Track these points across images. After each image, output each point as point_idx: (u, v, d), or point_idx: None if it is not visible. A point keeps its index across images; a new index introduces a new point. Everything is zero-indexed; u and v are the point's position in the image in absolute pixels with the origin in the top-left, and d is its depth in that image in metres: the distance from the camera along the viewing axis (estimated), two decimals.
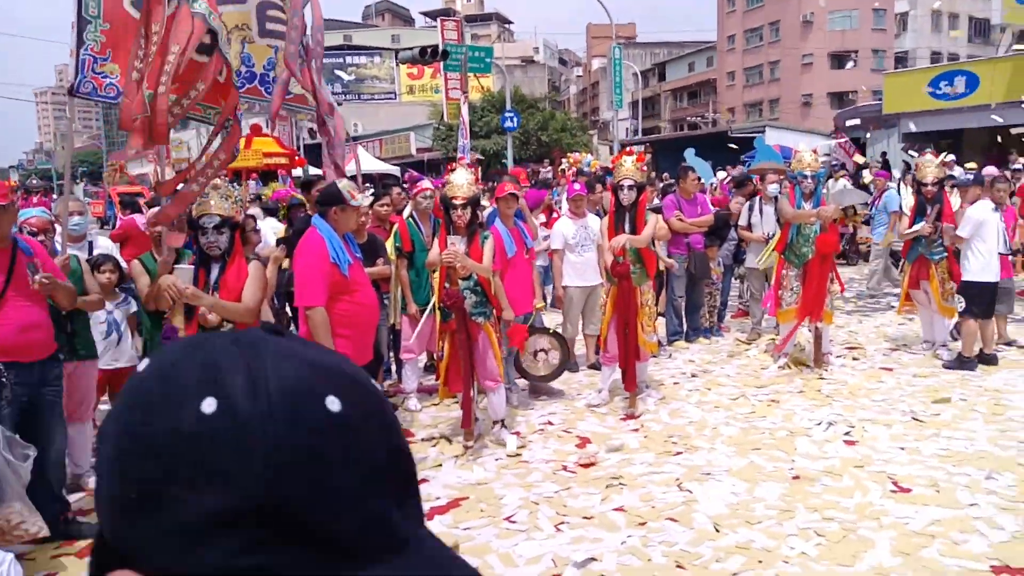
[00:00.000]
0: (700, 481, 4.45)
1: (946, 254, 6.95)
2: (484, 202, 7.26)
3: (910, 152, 18.37)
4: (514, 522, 4.04)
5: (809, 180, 6.65)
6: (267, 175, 15.91)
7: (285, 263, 5.56)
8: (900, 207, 9.53)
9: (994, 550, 3.53)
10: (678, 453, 4.93)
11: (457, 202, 4.91)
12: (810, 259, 6.59)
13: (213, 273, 3.92)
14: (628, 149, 6.38)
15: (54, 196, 21.15)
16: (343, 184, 4.27)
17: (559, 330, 7.00)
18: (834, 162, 16.21)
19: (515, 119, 21.26)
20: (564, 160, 15.53)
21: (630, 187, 5.64)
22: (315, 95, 4.83)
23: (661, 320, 7.40)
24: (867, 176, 13.03)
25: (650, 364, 6.36)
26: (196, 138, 45.92)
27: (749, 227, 7.86)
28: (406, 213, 6.26)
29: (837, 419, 5.41)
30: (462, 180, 4.94)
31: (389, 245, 6.01)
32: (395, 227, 6.12)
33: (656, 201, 7.16)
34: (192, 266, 3.87)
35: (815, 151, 7.24)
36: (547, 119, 32.09)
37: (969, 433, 5.05)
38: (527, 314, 6.08)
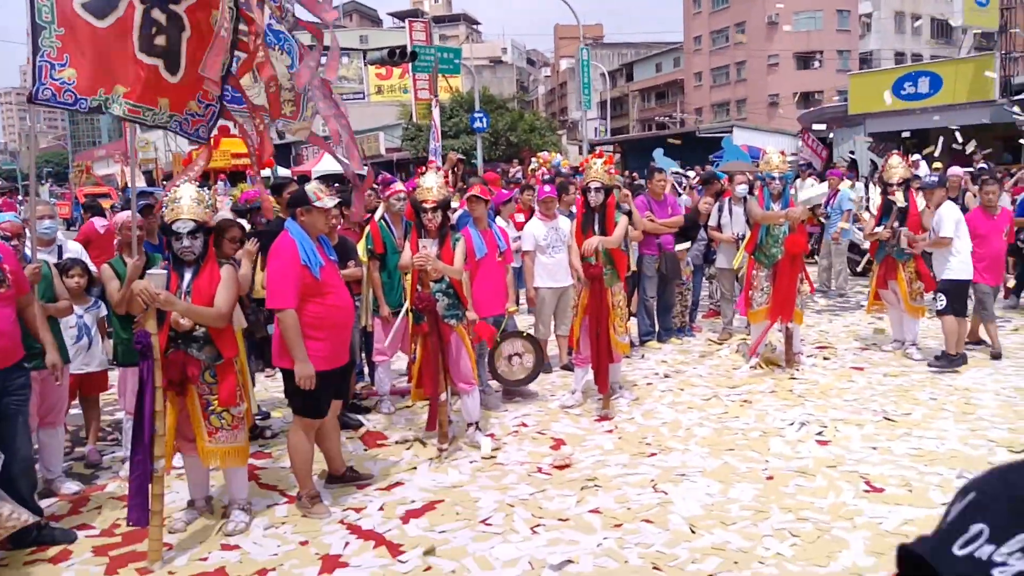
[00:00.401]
0: (675, 482, 4.45)
1: (913, 255, 7.06)
2: (454, 204, 7.22)
3: (875, 152, 18.69)
4: (490, 525, 4.03)
5: (777, 181, 6.72)
6: (235, 176, 15.70)
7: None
8: (869, 206, 9.66)
9: None
10: (652, 454, 4.93)
11: (428, 205, 4.91)
12: (780, 259, 6.66)
13: (186, 278, 3.88)
14: (598, 151, 6.36)
15: (19, 197, 20.70)
16: (310, 186, 4.22)
17: (531, 332, 6.99)
18: (801, 162, 16.44)
19: (484, 120, 21.24)
20: (534, 160, 15.53)
21: (597, 189, 5.67)
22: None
23: (633, 321, 7.43)
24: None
25: (622, 365, 6.36)
26: (163, 138, 45.20)
27: (719, 227, 7.92)
28: (378, 215, 6.20)
29: (809, 419, 5.46)
30: (432, 183, 4.93)
31: (361, 247, 5.95)
32: (367, 229, 6.06)
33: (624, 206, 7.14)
34: (164, 271, 3.81)
35: (783, 152, 7.31)
36: (516, 120, 32.11)
37: (940, 432, 5.13)
38: (498, 316, 6.06)
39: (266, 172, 13.94)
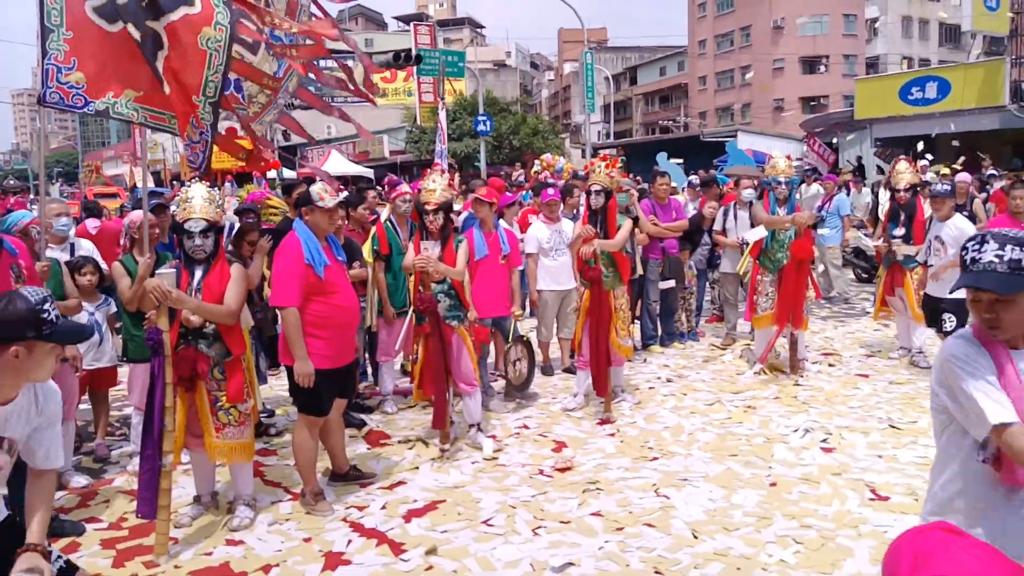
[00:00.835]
0: (677, 487, 4.45)
1: (920, 262, 7.04)
2: (457, 206, 7.23)
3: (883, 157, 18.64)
4: (491, 525, 4.04)
5: (783, 186, 6.71)
6: (242, 177, 15.76)
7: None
8: (877, 212, 9.65)
9: None
10: (655, 459, 4.93)
11: (429, 207, 4.95)
12: (785, 265, 6.64)
13: (196, 276, 3.93)
14: (603, 155, 6.37)
15: (31, 196, 20.82)
16: (315, 187, 4.26)
17: (533, 334, 7.01)
18: (806, 167, 16.41)
19: (488, 123, 21.27)
20: (537, 162, 15.54)
21: (597, 192, 5.70)
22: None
23: (636, 324, 7.42)
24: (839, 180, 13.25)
25: (625, 368, 6.36)
26: (171, 139, 45.34)
27: (723, 232, 7.91)
28: (384, 216, 6.22)
29: (814, 426, 5.44)
30: (434, 186, 4.97)
31: (366, 248, 5.97)
32: (373, 230, 6.09)
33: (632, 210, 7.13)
34: (174, 269, 3.89)
35: (789, 157, 7.30)
36: (519, 123, 32.14)
37: None
38: (499, 317, 6.07)
39: (272, 174, 13.99)
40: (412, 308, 5.43)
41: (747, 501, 4.23)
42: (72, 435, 4.88)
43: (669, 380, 6.76)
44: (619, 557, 3.67)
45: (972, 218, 9.35)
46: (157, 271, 3.84)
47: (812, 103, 44.50)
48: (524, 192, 10.69)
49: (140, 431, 4.16)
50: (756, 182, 7.90)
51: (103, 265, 5.36)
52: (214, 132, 3.76)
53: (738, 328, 8.14)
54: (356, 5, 69.79)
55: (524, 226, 7.34)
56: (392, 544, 3.85)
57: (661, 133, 46.34)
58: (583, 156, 27.19)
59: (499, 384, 6.50)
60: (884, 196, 10.11)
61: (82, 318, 4.77)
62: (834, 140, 23.44)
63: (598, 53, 44.14)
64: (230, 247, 5.02)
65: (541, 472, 4.75)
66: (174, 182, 18.64)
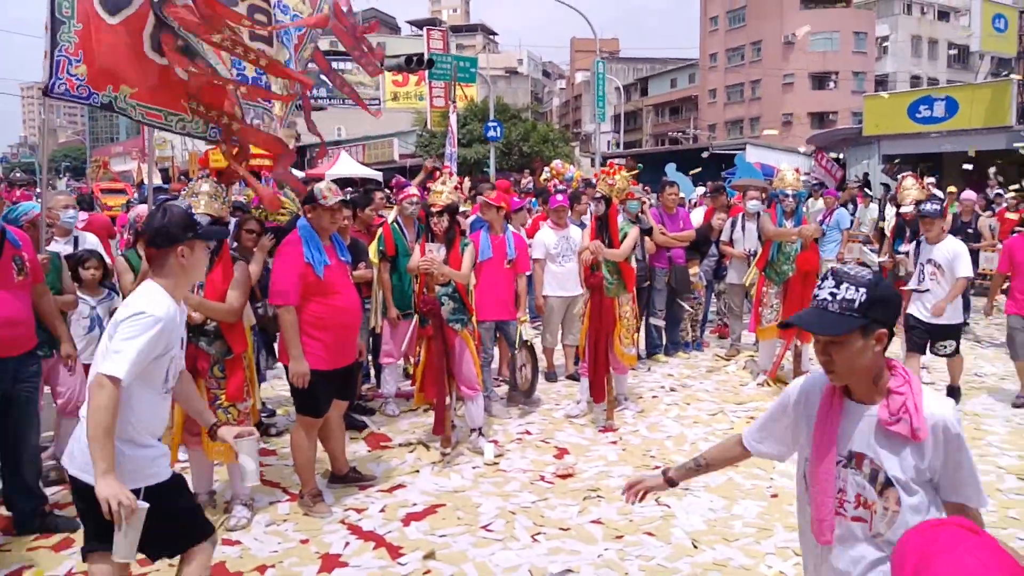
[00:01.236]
0: (678, 496, 4.42)
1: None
2: (465, 208, 7.24)
3: (890, 174, 18.63)
4: (491, 531, 4.02)
5: (791, 198, 6.71)
6: (251, 175, 15.77)
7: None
8: (884, 228, 9.63)
9: None
10: (656, 467, 4.89)
11: (434, 209, 4.97)
12: (791, 277, 6.64)
13: None
14: (610, 163, 6.37)
15: (36, 190, 20.86)
16: (320, 185, 4.25)
17: (538, 340, 7.00)
18: (813, 182, 16.40)
19: (498, 129, 21.31)
20: (546, 170, 15.53)
21: (596, 199, 5.73)
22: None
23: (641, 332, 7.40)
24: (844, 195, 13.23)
25: (629, 377, 6.35)
26: (180, 136, 45.52)
27: (731, 243, 7.90)
28: (391, 217, 6.23)
29: None
30: (441, 188, 4.98)
31: (372, 249, 5.97)
32: (379, 231, 6.09)
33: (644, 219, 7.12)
34: None
35: (797, 170, 7.30)
36: (529, 130, 32.17)
37: None
38: (502, 321, 6.06)
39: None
40: (416, 310, 5.43)
41: (748, 512, 4.22)
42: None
43: (673, 389, 6.74)
44: (618, 565, 3.65)
45: (977, 236, 9.34)
46: None
47: (821, 118, 44.52)
48: (532, 199, 10.68)
49: None
50: (763, 194, 7.90)
51: (107, 259, 5.35)
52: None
53: (742, 339, 8.12)
54: (370, 9, 70.10)
55: (534, 233, 7.34)
56: (390, 547, 3.83)
57: (671, 144, 46.39)
58: (593, 165, 27.22)
59: (502, 389, 6.49)
60: (890, 212, 10.10)
61: (83, 312, 4.76)
62: (841, 155, 23.44)
63: (610, 63, 44.25)
64: (234, 244, 5.02)
65: (542, 478, 4.73)
66: (181, 177, 18.67)
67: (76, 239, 5.52)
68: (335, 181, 7.32)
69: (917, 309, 6.12)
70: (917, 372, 6.20)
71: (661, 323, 7.73)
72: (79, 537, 3.90)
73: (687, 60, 59.77)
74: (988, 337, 8.79)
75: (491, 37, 78.20)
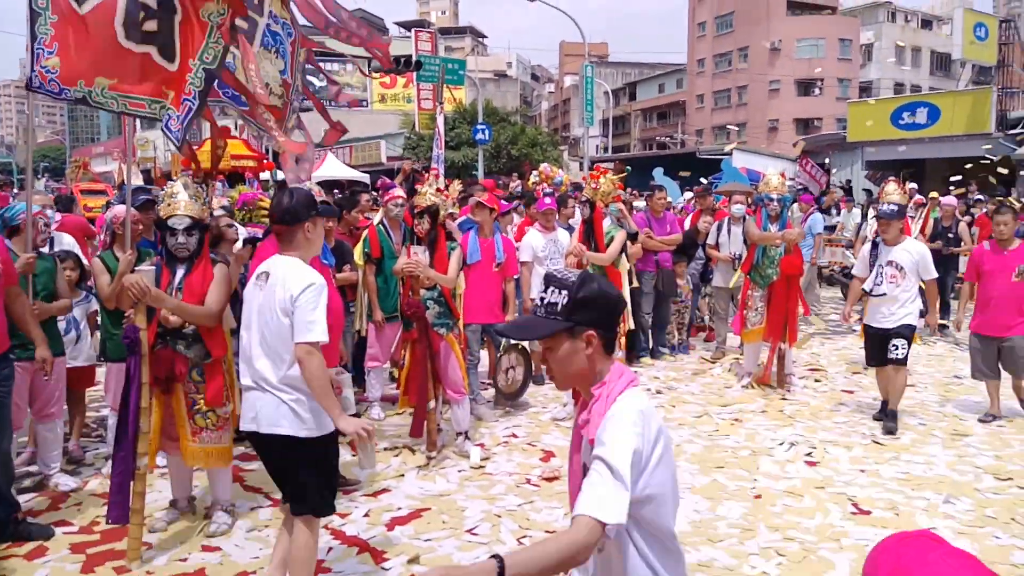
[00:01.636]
0: None
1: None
2: (453, 211, 7.21)
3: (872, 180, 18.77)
4: (476, 535, 4.00)
5: (775, 203, 6.74)
6: (234, 177, 15.71)
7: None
8: (867, 232, 9.71)
9: None
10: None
11: (416, 211, 4.96)
12: (775, 280, 6.67)
13: (178, 274, 3.84)
14: (597, 166, 6.39)
15: (14, 191, 20.59)
16: (304, 187, 4.19)
17: (526, 343, 6.98)
18: (798, 187, 16.51)
19: (486, 132, 21.31)
20: (534, 173, 15.55)
21: (582, 203, 5.75)
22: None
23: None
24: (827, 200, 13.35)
25: None
26: (163, 137, 45.16)
27: (717, 246, 7.93)
28: (376, 220, 6.20)
29: (799, 439, 5.46)
30: (424, 190, 4.97)
31: (358, 251, 5.94)
32: (364, 233, 6.07)
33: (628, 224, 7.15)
34: (154, 267, 3.78)
35: (783, 174, 7.34)
36: (518, 133, 32.17)
37: (928, 457, 5.13)
38: (489, 324, 6.05)
39: (265, 175, 13.95)
40: (400, 314, 5.40)
41: (732, 513, 4.22)
42: (61, 433, 4.78)
43: (659, 392, 6.75)
44: None
45: (957, 241, 9.43)
46: (137, 268, 3.74)
47: (806, 124, 44.84)
48: (519, 203, 10.68)
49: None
50: (748, 198, 7.95)
51: (84, 261, 5.27)
52: (203, 102, 3.68)
53: (727, 342, 8.15)
54: (358, 9, 69.92)
55: (521, 237, 7.33)
56: (374, 552, 3.80)
57: (658, 149, 46.57)
58: (581, 169, 27.25)
59: (489, 392, 6.48)
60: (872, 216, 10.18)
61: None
62: (826, 160, 23.64)
63: (598, 68, 44.33)
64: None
65: (528, 481, 4.72)
66: (164, 178, 18.51)
67: (52, 240, 5.44)
68: (321, 183, 7.28)
69: (872, 316, 5.88)
70: (885, 393, 5.91)
71: (647, 322, 7.74)
72: (53, 545, 3.85)
73: (675, 65, 60.06)
74: (967, 340, 8.85)
75: (480, 40, 78.23)
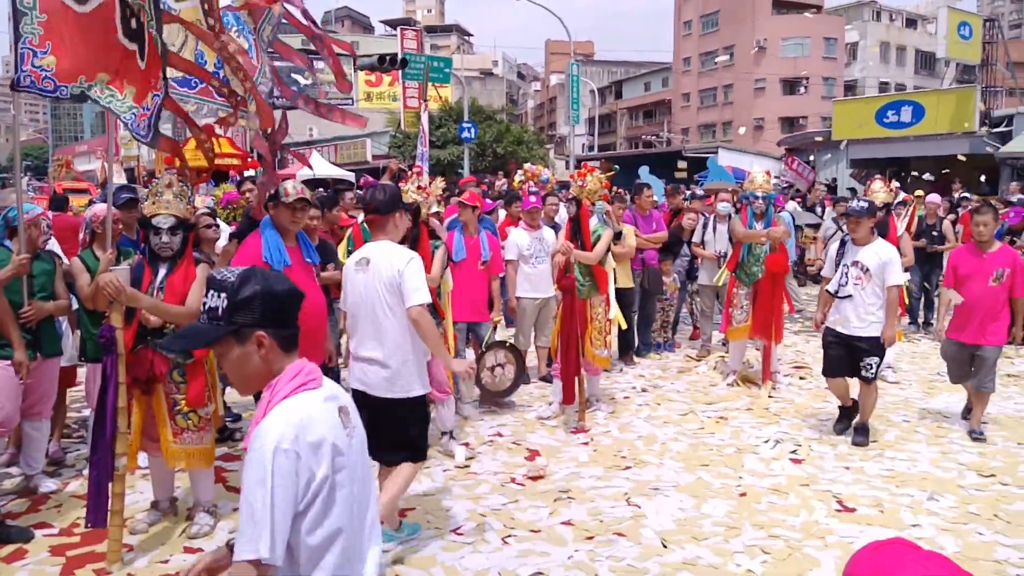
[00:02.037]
0: (648, 496, 4.43)
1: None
2: (439, 210, 7.17)
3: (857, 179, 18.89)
4: (461, 534, 3.98)
5: (760, 201, 6.75)
6: (218, 176, 15.60)
7: None
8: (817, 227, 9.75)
9: None
10: (627, 468, 4.90)
11: None
12: (760, 278, 6.68)
13: (160, 274, 3.79)
14: (584, 163, 6.37)
15: None
16: (287, 183, 4.15)
17: (512, 341, 6.96)
18: (783, 185, 16.58)
19: (472, 130, 21.28)
20: (519, 172, 15.55)
21: (568, 201, 5.71)
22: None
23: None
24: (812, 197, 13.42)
25: (601, 378, 6.35)
26: None
27: (702, 244, 7.94)
28: (361, 218, 6.15)
29: (784, 437, 5.47)
30: (407, 188, 4.95)
31: (341, 250, 5.90)
32: (348, 231, 6.02)
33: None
34: (128, 266, 3.73)
35: (768, 172, 7.36)
36: (503, 131, 32.15)
37: (912, 454, 5.15)
38: (475, 323, 6.02)
39: (250, 173, 13.84)
40: None
41: (716, 511, 4.23)
42: (47, 433, 4.70)
43: (644, 390, 6.75)
44: (588, 566, 3.63)
45: (942, 239, 9.49)
46: (112, 267, 3.68)
47: (792, 123, 45.10)
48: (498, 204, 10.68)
49: None
50: (734, 196, 7.96)
51: (65, 260, 5.20)
52: (164, 93, 3.66)
53: (713, 340, 8.17)
54: (343, 7, 69.67)
55: (503, 236, 7.31)
56: None
57: (644, 147, 46.67)
58: (567, 167, 27.27)
59: (475, 392, 6.45)
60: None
61: None
62: (811, 158, 23.80)
63: (584, 66, 44.37)
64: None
65: (513, 480, 4.70)
66: (153, 177, 18.33)
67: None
68: (306, 181, 7.22)
69: (835, 319, 5.42)
70: (846, 400, 5.52)
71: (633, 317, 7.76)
72: (33, 548, 3.80)
73: (661, 64, 60.21)
74: None
75: (466, 38, 78.12)
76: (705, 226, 7.96)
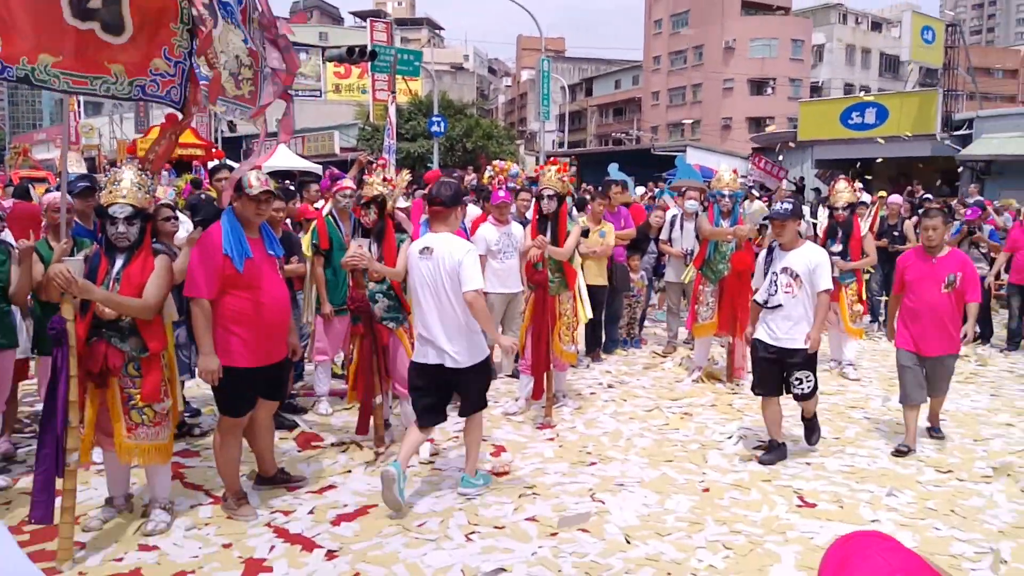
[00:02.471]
0: (613, 492, 4.43)
1: (855, 278, 7.24)
2: (406, 205, 7.11)
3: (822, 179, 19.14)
4: (424, 531, 3.93)
5: (727, 199, 6.80)
6: (181, 165, 15.31)
7: None
8: (816, 230, 9.84)
9: None
10: (592, 463, 4.90)
11: (362, 201, 4.89)
12: (726, 276, 6.73)
13: (117, 264, 3.66)
14: (552, 159, 6.34)
15: None
16: (250, 174, 4.01)
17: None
18: (750, 183, 16.72)
19: (442, 124, 21.14)
20: (489, 168, 15.51)
21: (550, 196, 5.66)
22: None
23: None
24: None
25: (568, 374, 6.34)
26: (108, 124, 43.86)
27: (669, 242, 7.98)
28: (325, 210, 6.07)
29: (747, 433, 5.52)
30: (372, 180, 4.88)
31: (306, 242, 5.81)
32: (313, 224, 5.93)
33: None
34: (82, 257, 3.61)
35: (735, 171, 7.42)
36: (472, 126, 32.03)
37: (872, 451, 5.23)
38: None
39: (214, 163, 13.62)
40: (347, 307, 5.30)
41: (680, 506, 4.24)
42: None
43: (610, 386, 6.76)
44: (551, 563, 3.61)
45: (903, 239, 9.65)
46: (64, 258, 3.56)
47: (758, 123, 45.64)
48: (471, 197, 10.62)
49: None
50: (701, 194, 8.01)
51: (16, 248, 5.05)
52: (192, 60, 3.57)
53: (679, 336, 8.21)
54: None
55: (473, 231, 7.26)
56: (318, 549, 3.71)
57: (614, 145, 46.87)
58: (537, 163, 27.25)
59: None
60: (823, 215, 10.37)
61: None
62: (780, 157, 24.08)
63: (555, 63, 44.39)
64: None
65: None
66: (111, 167, 17.97)
67: None
68: (272, 173, 7.08)
69: (764, 331, 4.99)
70: (777, 422, 5.06)
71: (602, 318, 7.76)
72: None
73: (631, 62, 60.51)
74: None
75: (437, 31, 77.75)
76: (672, 224, 8.01)
